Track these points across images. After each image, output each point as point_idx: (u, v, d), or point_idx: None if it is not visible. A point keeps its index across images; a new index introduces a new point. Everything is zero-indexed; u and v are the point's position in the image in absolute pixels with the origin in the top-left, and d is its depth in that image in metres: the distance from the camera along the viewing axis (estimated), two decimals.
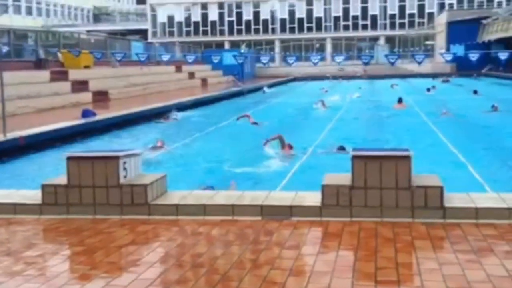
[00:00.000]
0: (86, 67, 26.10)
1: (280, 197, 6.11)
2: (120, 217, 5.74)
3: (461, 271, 4.13)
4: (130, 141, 14.19)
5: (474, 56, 36.77)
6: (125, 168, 6.01)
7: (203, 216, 5.73)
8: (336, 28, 66.57)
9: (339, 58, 27.56)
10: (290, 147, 12.52)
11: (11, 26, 33.97)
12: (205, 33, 67.89)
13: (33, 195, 6.19)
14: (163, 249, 4.84)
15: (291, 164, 11.15)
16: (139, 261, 4.50)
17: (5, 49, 23.16)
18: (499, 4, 61.68)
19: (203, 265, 4.41)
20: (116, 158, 5.94)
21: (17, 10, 60.06)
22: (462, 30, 49.89)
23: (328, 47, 66.29)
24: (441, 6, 63.51)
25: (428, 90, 30.54)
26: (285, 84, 43.83)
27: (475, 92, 28.88)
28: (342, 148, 11.06)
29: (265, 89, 34.99)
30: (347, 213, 5.57)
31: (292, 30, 67.14)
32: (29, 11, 63.69)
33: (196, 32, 67.88)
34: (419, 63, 20.89)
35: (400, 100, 21.83)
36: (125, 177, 5.98)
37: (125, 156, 6.05)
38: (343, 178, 5.90)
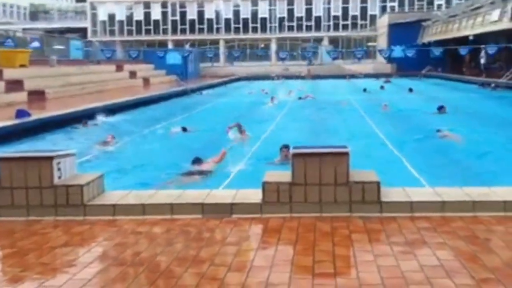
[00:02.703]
0: (22, 66, 25.35)
1: (221, 195, 6.08)
2: (54, 218, 5.58)
3: (396, 262, 4.24)
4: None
5: (411, 54, 37.81)
6: (59, 169, 5.85)
7: (142, 215, 5.64)
8: (281, 28, 67.03)
9: (283, 54, 27.56)
10: (245, 133, 13.93)
11: None
12: (147, 32, 67.13)
13: None
14: (99, 249, 4.74)
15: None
16: (74, 261, 4.39)
17: None
18: (439, 7, 63.48)
19: (142, 263, 4.35)
20: (50, 158, 5.77)
21: None
22: (403, 32, 51.08)
23: (273, 48, 66.67)
24: (383, 9, 64.87)
25: (365, 90, 31.17)
26: (229, 84, 43.48)
27: (410, 90, 29.87)
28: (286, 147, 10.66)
29: (204, 91, 33.78)
30: (287, 209, 5.60)
31: (237, 30, 67.21)
32: None
33: (139, 31, 67.04)
34: (359, 59, 21.27)
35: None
36: (59, 177, 5.82)
37: (59, 156, 5.89)
38: (284, 175, 5.93)
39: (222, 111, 22.03)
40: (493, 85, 30.42)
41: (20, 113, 15.62)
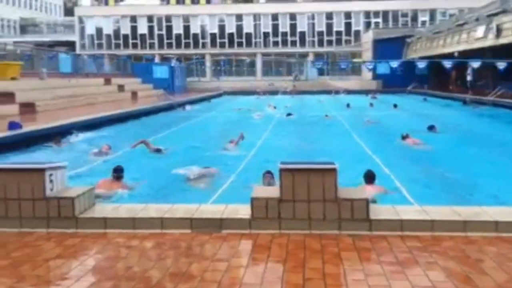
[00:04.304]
0: (13, 78, 25.33)
1: (211, 210, 6.13)
2: (47, 231, 5.63)
3: (387, 282, 4.28)
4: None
5: (396, 68, 38.13)
6: (51, 181, 5.91)
7: (132, 229, 5.70)
8: (265, 44, 67.41)
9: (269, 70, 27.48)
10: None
11: None
12: (134, 46, 67.22)
13: None
14: (92, 262, 4.80)
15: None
16: (67, 274, 4.45)
17: None
18: (423, 23, 64.27)
19: (133, 277, 4.40)
20: (42, 170, 5.83)
21: None
22: (388, 48, 51.66)
23: (258, 63, 67.01)
24: (367, 25, 65.53)
25: (348, 105, 31.40)
26: (214, 98, 43.50)
27: (395, 106, 30.14)
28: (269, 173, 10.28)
29: (187, 106, 32.65)
30: (276, 226, 5.66)
31: (222, 44, 67.49)
32: None
33: (126, 45, 67.10)
34: (344, 69, 21.43)
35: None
36: (51, 189, 5.88)
37: (51, 169, 5.95)
38: (272, 190, 6.02)
39: (206, 127, 21.96)
40: (469, 101, 30.89)
41: (13, 125, 15.63)
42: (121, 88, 36.93)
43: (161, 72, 46.35)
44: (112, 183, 9.72)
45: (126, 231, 5.65)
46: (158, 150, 14.07)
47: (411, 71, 46.35)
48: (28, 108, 22.48)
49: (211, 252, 5.04)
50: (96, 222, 5.78)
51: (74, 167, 10.98)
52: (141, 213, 5.93)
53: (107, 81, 36.79)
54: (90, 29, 67.79)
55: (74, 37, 67.81)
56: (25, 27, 74.60)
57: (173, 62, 52.61)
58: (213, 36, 67.49)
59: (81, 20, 68.01)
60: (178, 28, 67.36)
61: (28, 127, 16.25)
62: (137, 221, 5.77)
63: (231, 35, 67.45)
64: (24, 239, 5.38)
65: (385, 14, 66.54)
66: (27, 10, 77.84)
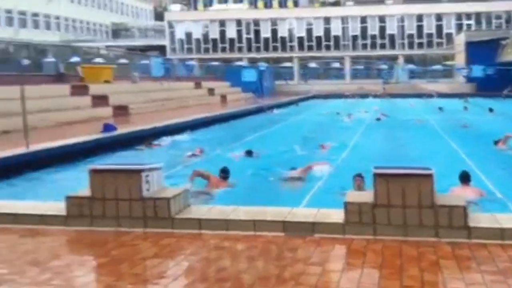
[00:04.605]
0: (106, 81, 26.35)
1: (303, 213, 6.11)
2: (143, 230, 5.76)
3: None
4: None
5: (492, 73, 36.43)
6: (147, 182, 6.05)
7: (225, 231, 5.74)
8: (354, 47, 66.67)
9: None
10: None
11: (30, 40, 34.35)
12: (223, 50, 68.25)
13: (58, 207, 6.24)
14: (187, 262, 4.86)
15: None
16: (164, 273, 4.53)
17: (26, 62, 23.39)
18: None
19: (227, 279, 4.42)
20: (139, 171, 5.98)
21: (36, 25, 60.82)
22: (481, 51, 49.75)
23: (347, 66, 66.35)
24: (459, 27, 63.45)
25: (440, 109, 30.44)
26: (303, 101, 43.44)
27: (491, 110, 28.82)
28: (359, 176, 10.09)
29: (274, 109, 32.69)
30: (371, 231, 5.54)
31: (310, 48, 67.32)
32: (47, 26, 64.43)
33: (215, 49, 68.26)
34: (435, 71, 20.71)
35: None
36: (148, 190, 6.02)
37: (147, 170, 6.09)
38: (366, 195, 5.90)
39: (295, 130, 21.93)
40: None
41: (107, 127, 16.26)
42: (211, 91, 37.60)
43: (249, 75, 46.78)
44: (219, 182, 10.41)
45: (220, 232, 5.69)
46: (249, 153, 14.12)
47: (506, 74, 44.36)
48: (121, 110, 23.31)
49: (305, 255, 4.99)
50: (191, 222, 5.86)
51: (168, 168, 11.27)
52: (234, 215, 5.96)
53: (197, 85, 37.59)
54: (179, 34, 69.43)
55: (164, 42, 69.63)
56: (117, 31, 77.39)
57: (261, 66, 53.02)
58: (300, 39, 67.43)
59: (171, 25, 69.78)
60: (266, 32, 67.82)
61: (122, 129, 16.84)
62: (230, 222, 5.81)
63: (318, 38, 67.14)
64: (122, 238, 5.53)
65: (477, 16, 64.14)
66: (118, 15, 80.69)
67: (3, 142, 13.81)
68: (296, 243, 5.34)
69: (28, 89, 12.96)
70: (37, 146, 12.52)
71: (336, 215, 5.78)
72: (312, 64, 65.08)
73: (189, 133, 19.18)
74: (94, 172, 6.04)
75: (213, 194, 9.85)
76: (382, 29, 66.01)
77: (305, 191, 9.89)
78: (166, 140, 17.17)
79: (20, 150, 12.13)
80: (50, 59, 27.11)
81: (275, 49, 67.74)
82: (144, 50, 60.64)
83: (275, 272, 4.55)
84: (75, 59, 27.25)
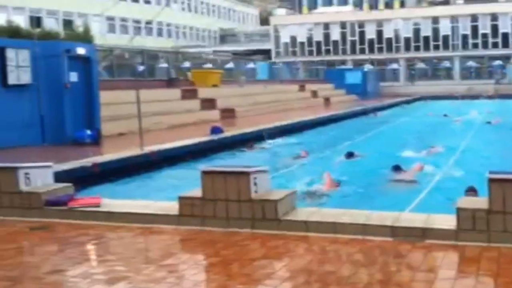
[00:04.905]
0: (214, 85, 27.08)
1: (412, 218, 5.98)
2: (251, 231, 5.87)
3: None
4: None
5: None
6: (255, 184, 6.16)
7: (333, 233, 5.73)
8: (464, 46, 64.21)
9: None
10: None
11: (144, 47, 35.95)
12: (327, 52, 68.01)
13: (170, 207, 6.49)
14: (296, 264, 4.90)
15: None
16: (273, 275, 4.58)
17: (140, 68, 24.60)
18: None
19: (333, 283, 4.40)
20: (247, 173, 6.11)
21: (149, 32, 63.57)
22: None
23: (456, 66, 64.03)
24: None
25: None
26: (409, 103, 42.39)
27: None
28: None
29: (378, 112, 31.99)
30: (485, 238, 5.34)
31: (417, 48, 65.60)
32: (160, 33, 67.22)
33: (319, 52, 68.17)
34: None
35: None
36: (255, 192, 6.13)
37: (255, 172, 6.21)
38: (479, 201, 5.69)
39: (399, 132, 21.43)
40: None
41: (215, 130, 16.72)
42: (314, 94, 37.62)
43: (353, 77, 46.39)
44: (332, 183, 10.78)
45: (327, 235, 5.69)
46: (350, 155, 14.01)
47: None
48: (228, 113, 23.88)
49: (416, 262, 4.89)
50: (297, 224, 5.90)
51: (275, 170, 11.45)
52: (342, 218, 5.94)
53: (301, 87, 37.73)
54: (284, 38, 70.00)
55: (269, 46, 70.45)
56: (224, 37, 79.34)
57: (366, 67, 52.34)
58: (407, 40, 65.89)
59: (276, 29, 70.51)
60: (371, 33, 66.86)
61: (228, 132, 17.23)
62: (338, 225, 5.79)
63: (426, 38, 65.30)
64: (231, 238, 5.66)
65: None
66: (226, 21, 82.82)
67: (119, 144, 14.53)
68: (405, 248, 5.24)
69: (142, 93, 13.55)
70: (150, 148, 13.06)
71: (448, 221, 5.61)
72: (420, 65, 63.34)
73: (292, 135, 19.32)
74: (205, 174, 6.23)
75: (326, 196, 10.03)
76: (494, 28, 63.12)
77: (414, 195, 9.66)
78: (271, 142, 17.36)
79: (135, 151, 12.71)
80: (162, 64, 28.20)
81: (380, 50, 66.58)
82: (249, 54, 61.65)
83: (382, 278, 4.49)
84: (186, 65, 28.21)
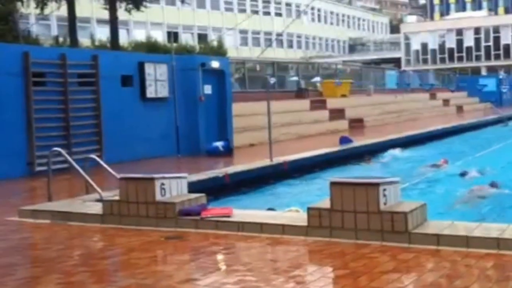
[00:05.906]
0: (343, 95, 27.04)
1: None
2: (380, 243, 5.82)
3: None
4: None
5: None
6: (384, 195, 6.11)
7: (465, 248, 5.54)
8: None
9: None
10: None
11: (274, 58, 36.71)
12: (459, 59, 65.52)
13: (299, 217, 6.60)
14: (428, 278, 4.77)
15: None
16: None
17: (272, 80, 25.03)
18: None
19: None
20: (377, 185, 6.06)
21: (280, 44, 64.68)
22: None
23: None
24: None
25: None
26: None
27: None
28: None
29: (509, 121, 29.20)
30: None
31: None
32: (290, 45, 68.21)
33: (451, 59, 65.85)
34: None
35: None
36: (385, 203, 6.08)
37: (385, 184, 6.16)
38: None
39: None
40: None
41: (344, 140, 16.72)
42: (445, 102, 36.40)
43: (487, 84, 44.27)
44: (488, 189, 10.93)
45: (459, 249, 5.52)
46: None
47: None
48: (357, 123, 23.75)
49: None
50: (428, 238, 5.77)
51: (406, 180, 11.25)
52: (475, 232, 5.74)
53: (432, 96, 36.65)
54: (415, 45, 68.39)
55: (399, 54, 69.08)
56: (353, 46, 78.88)
57: (501, 74, 49.74)
58: None
59: (406, 37, 69.04)
60: (506, 39, 63.58)
61: (358, 142, 17.13)
62: (471, 239, 5.60)
63: None
64: (360, 250, 5.64)
65: None
66: (355, 30, 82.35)
67: (250, 154, 14.90)
68: None
69: (273, 105, 13.82)
70: (279, 159, 13.30)
71: None
72: None
73: (418, 146, 18.78)
74: (334, 185, 6.27)
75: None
76: None
77: None
78: (391, 154, 16.70)
79: (265, 162, 13.00)
80: (292, 76, 28.47)
81: None
82: (378, 63, 60.82)
83: None
84: (316, 79, 28.31)
